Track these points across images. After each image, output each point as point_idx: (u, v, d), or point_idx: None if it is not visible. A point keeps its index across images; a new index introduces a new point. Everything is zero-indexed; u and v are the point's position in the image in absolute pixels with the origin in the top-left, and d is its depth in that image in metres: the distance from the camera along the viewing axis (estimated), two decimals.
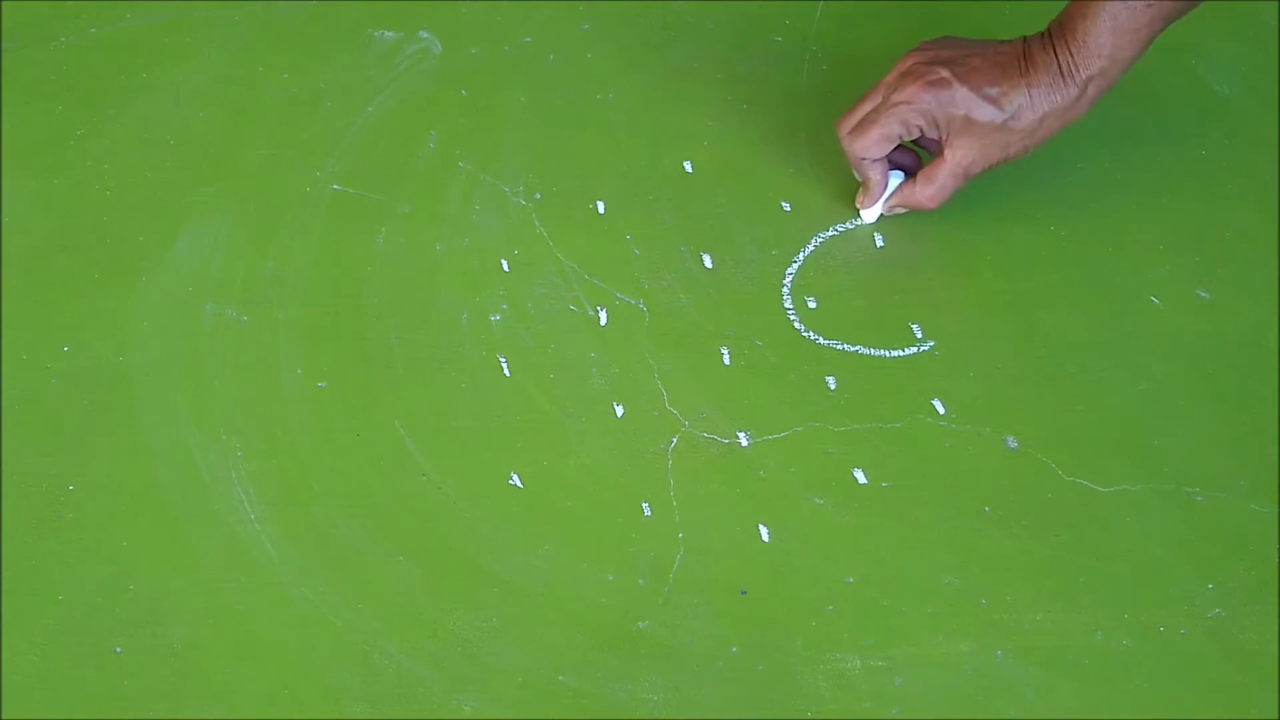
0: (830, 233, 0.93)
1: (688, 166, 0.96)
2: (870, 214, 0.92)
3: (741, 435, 0.84)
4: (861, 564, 0.79)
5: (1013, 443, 0.83)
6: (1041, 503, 0.81)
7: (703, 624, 0.77)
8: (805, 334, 0.88)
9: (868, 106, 0.87)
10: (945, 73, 0.84)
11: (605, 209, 0.94)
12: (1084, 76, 0.82)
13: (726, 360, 0.87)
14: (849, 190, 0.94)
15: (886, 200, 0.91)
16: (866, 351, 0.87)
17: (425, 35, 1.02)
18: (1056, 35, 0.83)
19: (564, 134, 0.97)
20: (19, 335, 0.86)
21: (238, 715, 0.73)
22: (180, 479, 0.81)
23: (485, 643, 0.76)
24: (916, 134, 0.87)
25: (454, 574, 0.78)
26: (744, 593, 0.78)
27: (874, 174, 0.89)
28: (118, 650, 0.75)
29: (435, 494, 0.81)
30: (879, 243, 0.92)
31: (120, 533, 0.79)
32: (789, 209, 0.94)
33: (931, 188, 0.88)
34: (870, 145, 0.87)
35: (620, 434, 0.84)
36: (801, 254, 0.92)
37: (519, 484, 0.82)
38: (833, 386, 0.86)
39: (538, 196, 0.94)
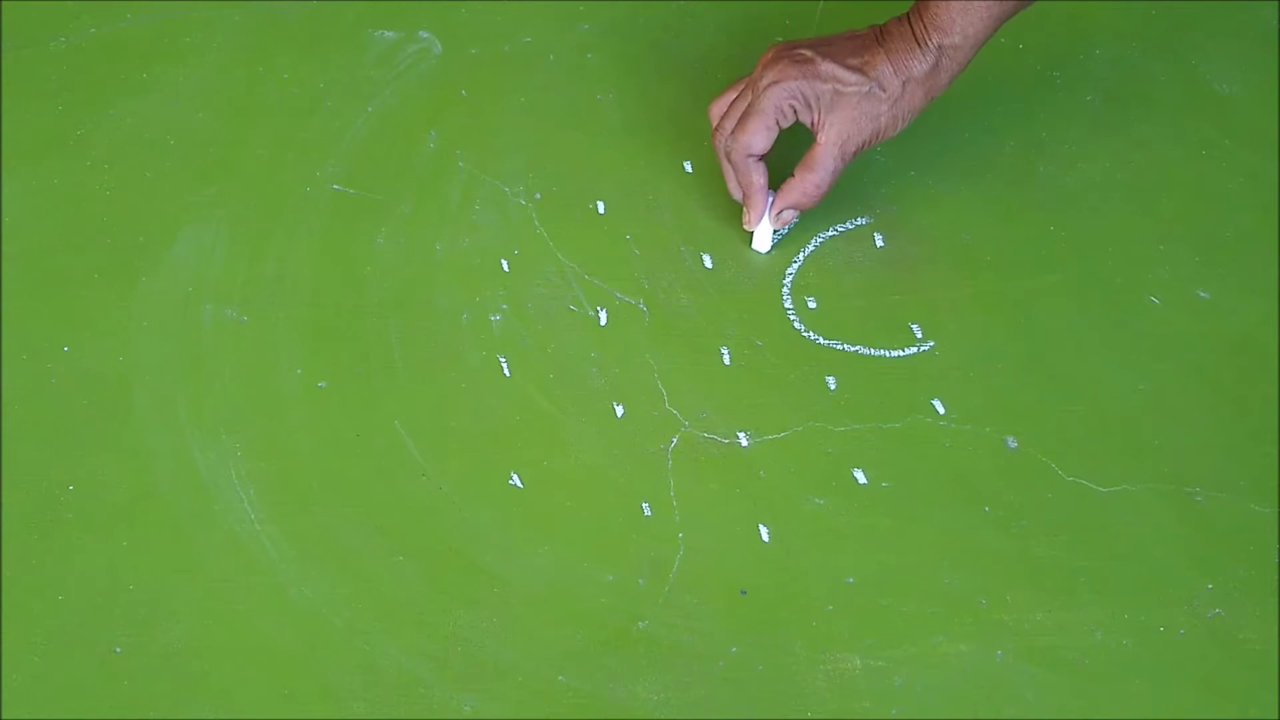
0: (830, 233, 0.93)
1: (688, 166, 0.96)
2: (762, 235, 0.91)
3: (741, 435, 0.84)
4: (861, 564, 0.79)
5: (1013, 443, 0.83)
6: (1041, 503, 0.81)
7: (703, 624, 0.77)
8: (805, 334, 0.88)
9: (741, 104, 0.88)
10: (809, 52, 0.86)
11: (605, 209, 0.94)
12: (937, 44, 0.85)
13: (726, 360, 0.87)
14: (848, 190, 0.94)
15: (771, 208, 0.90)
16: (866, 351, 0.87)
17: (425, 35, 1.02)
18: (912, 12, 0.87)
19: (564, 134, 0.97)
20: (19, 335, 0.86)
21: (238, 715, 0.73)
22: (180, 479, 0.81)
23: (485, 643, 0.76)
24: (789, 118, 0.87)
25: (454, 574, 0.78)
26: (744, 593, 0.78)
27: (758, 176, 0.88)
28: (118, 650, 0.75)
29: (435, 494, 0.81)
30: (879, 243, 0.92)
31: (120, 533, 0.79)
32: None
33: (814, 173, 0.88)
34: (753, 138, 0.87)
35: (620, 434, 0.84)
36: (801, 254, 0.92)
37: (519, 484, 0.82)
38: (833, 386, 0.86)
39: (538, 196, 0.94)
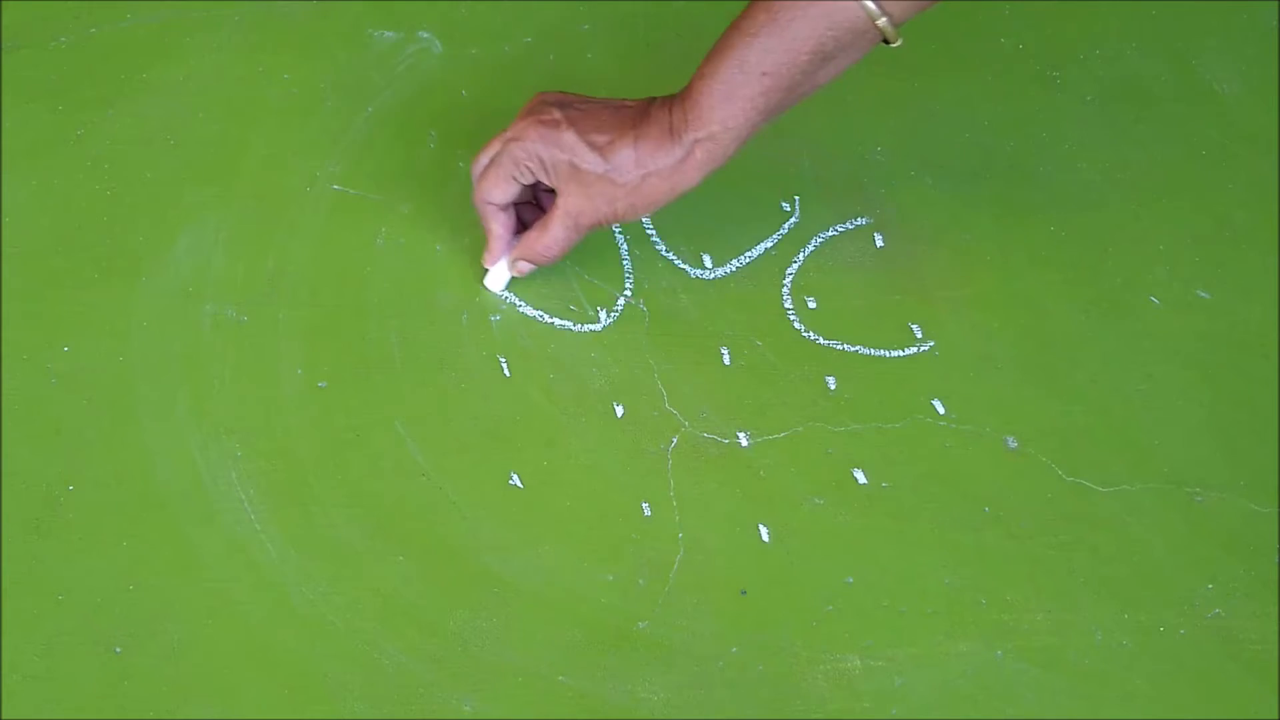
0: (830, 233, 0.93)
1: None
2: (496, 276, 0.88)
3: (741, 435, 0.84)
4: (861, 564, 0.79)
5: (1013, 443, 0.83)
6: (1041, 503, 0.81)
7: (703, 624, 0.77)
8: (805, 334, 0.88)
9: (494, 148, 0.85)
10: (559, 114, 0.82)
11: None
12: (691, 139, 0.79)
13: (726, 360, 0.87)
14: (849, 190, 0.94)
15: (510, 256, 0.87)
16: (866, 351, 0.87)
17: (425, 35, 1.02)
18: (677, 96, 0.81)
19: None
20: (19, 335, 0.86)
21: (238, 715, 0.73)
22: (180, 479, 0.81)
23: (485, 643, 0.76)
24: (529, 176, 0.83)
25: (454, 574, 0.78)
26: (744, 593, 0.78)
27: (496, 225, 0.86)
28: (118, 650, 0.75)
29: (435, 494, 0.81)
30: (879, 243, 0.92)
31: (120, 533, 0.79)
32: (789, 209, 0.94)
33: (546, 236, 0.84)
34: (491, 188, 0.84)
35: (620, 434, 0.84)
36: (801, 254, 0.92)
37: (519, 484, 0.82)
38: (833, 386, 0.86)
39: None
